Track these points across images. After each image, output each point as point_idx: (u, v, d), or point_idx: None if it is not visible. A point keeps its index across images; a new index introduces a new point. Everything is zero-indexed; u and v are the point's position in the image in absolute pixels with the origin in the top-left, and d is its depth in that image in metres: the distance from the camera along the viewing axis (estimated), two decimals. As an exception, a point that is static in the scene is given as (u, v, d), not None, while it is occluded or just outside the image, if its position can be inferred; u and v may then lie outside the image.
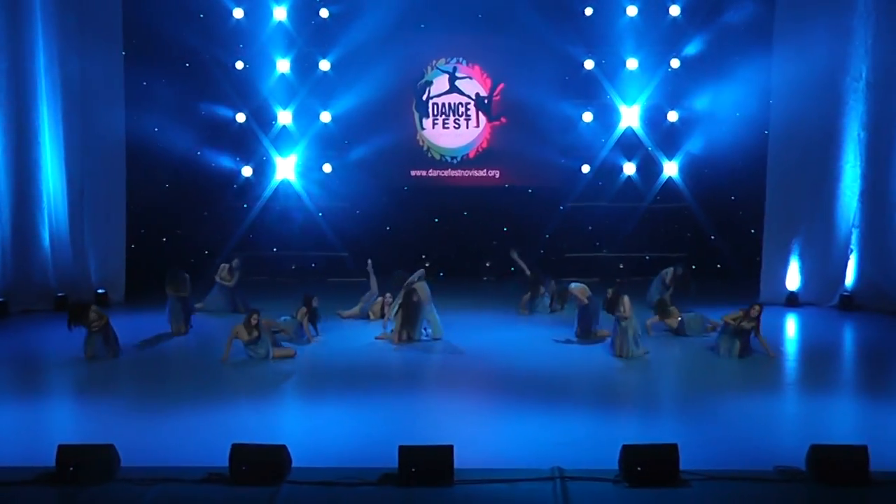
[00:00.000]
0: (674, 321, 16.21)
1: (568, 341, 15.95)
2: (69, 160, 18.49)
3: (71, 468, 9.42)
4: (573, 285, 16.23)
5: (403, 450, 9.58)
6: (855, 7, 17.47)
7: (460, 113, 21.53)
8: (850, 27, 17.52)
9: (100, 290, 18.89)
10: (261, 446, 9.73)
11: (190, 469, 9.70)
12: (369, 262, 17.88)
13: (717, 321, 15.82)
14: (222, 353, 14.66)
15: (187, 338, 16.30)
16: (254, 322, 14.63)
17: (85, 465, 9.44)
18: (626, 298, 14.89)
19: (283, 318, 15.89)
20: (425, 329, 16.14)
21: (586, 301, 15.89)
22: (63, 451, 9.55)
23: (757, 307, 14.71)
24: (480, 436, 11.44)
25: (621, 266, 21.26)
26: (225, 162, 21.55)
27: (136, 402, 12.68)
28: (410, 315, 15.83)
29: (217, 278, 18.36)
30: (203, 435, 11.18)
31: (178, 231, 21.19)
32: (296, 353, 14.95)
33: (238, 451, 9.58)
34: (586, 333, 15.98)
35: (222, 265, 18.51)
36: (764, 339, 14.75)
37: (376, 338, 16.12)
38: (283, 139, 21.57)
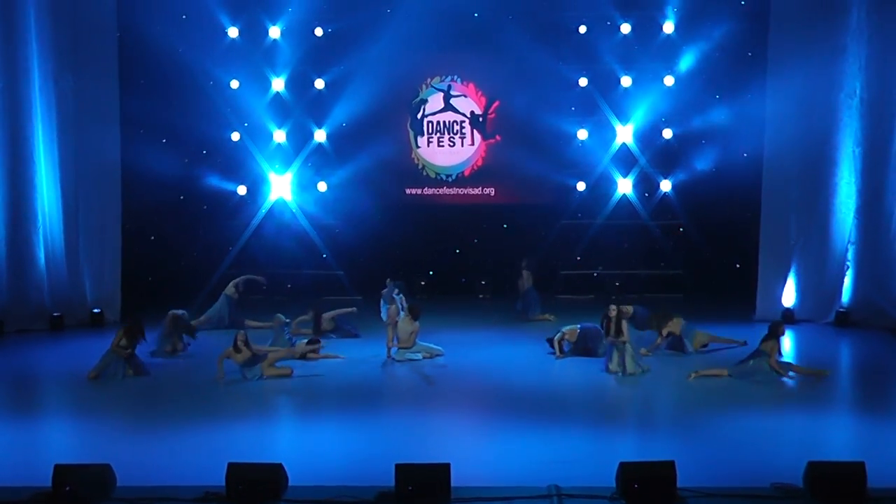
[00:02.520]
0: (676, 327, 16.19)
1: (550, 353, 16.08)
2: (64, 179, 18.51)
3: (67, 488, 9.37)
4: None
5: (400, 468, 9.57)
6: (848, 25, 17.56)
7: (455, 131, 21.60)
8: (843, 45, 17.62)
9: (95, 310, 18.89)
10: (257, 465, 9.70)
11: (186, 488, 9.67)
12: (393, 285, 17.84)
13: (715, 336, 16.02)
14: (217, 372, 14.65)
15: (184, 358, 16.26)
16: (240, 342, 14.63)
17: (81, 484, 9.39)
18: (624, 322, 14.89)
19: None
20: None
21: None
22: (59, 470, 9.52)
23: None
24: (477, 454, 11.43)
25: (617, 283, 21.27)
26: (220, 181, 21.57)
27: (132, 422, 12.65)
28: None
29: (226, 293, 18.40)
30: (199, 454, 11.15)
31: (174, 249, 21.16)
32: (292, 371, 14.92)
33: (234, 469, 9.56)
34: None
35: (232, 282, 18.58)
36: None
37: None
38: (277, 158, 21.61)
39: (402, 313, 16.13)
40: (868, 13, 17.40)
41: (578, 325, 16.18)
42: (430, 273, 21.67)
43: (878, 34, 17.35)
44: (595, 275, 21.60)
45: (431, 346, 16.15)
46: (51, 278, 18.51)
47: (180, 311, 16.64)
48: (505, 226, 21.74)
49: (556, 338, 16.07)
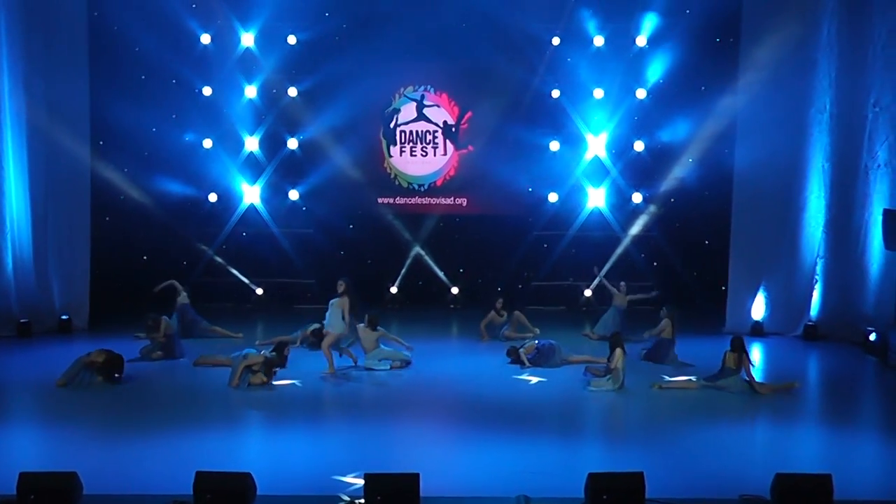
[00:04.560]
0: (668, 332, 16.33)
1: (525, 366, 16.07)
2: (33, 185, 18.37)
3: (32, 496, 9.28)
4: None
5: (370, 478, 9.55)
6: (819, 40, 17.72)
7: (428, 141, 21.59)
8: (814, 60, 17.78)
9: (63, 317, 18.75)
10: (225, 474, 9.64)
11: (154, 497, 9.63)
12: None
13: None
14: (189, 380, 14.57)
15: (152, 365, 16.15)
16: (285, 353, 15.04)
17: (46, 493, 9.30)
18: (619, 351, 14.85)
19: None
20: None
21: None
22: (24, 478, 9.43)
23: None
24: (446, 463, 11.43)
25: (588, 295, 21.30)
26: (191, 188, 21.47)
27: (100, 430, 12.55)
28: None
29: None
30: (167, 462, 11.09)
31: (144, 258, 21.05)
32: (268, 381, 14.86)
33: (202, 478, 9.51)
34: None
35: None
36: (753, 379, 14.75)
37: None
38: (249, 165, 21.55)
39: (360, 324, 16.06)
40: (839, 29, 17.56)
41: (536, 341, 16.34)
42: (400, 282, 21.61)
43: (847, 50, 17.50)
44: (566, 285, 21.60)
45: (398, 349, 16.12)
46: (19, 284, 18.33)
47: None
48: (476, 237, 21.72)
49: (520, 350, 16.17)
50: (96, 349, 14.99)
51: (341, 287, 15.85)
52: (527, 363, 16.01)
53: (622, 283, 18.65)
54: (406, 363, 16.03)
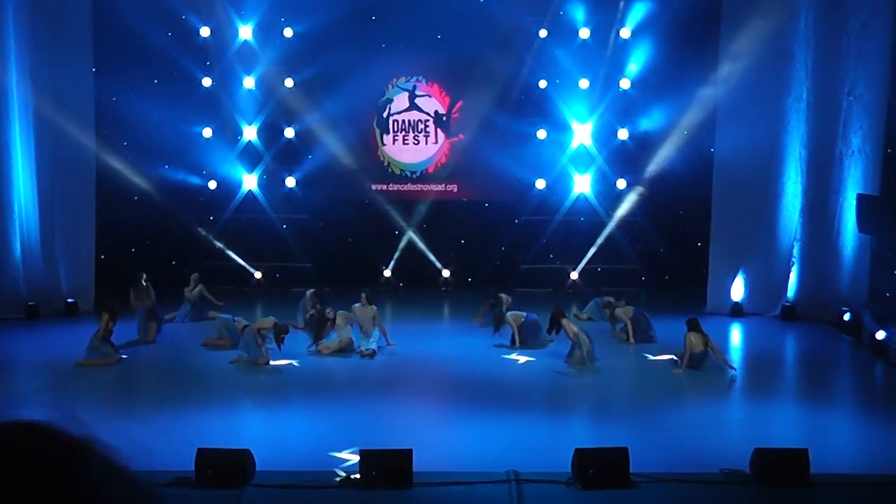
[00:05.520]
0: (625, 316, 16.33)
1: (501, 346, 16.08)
2: (40, 172, 18.34)
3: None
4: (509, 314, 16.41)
5: (365, 454, 9.57)
6: (796, 32, 17.71)
7: (420, 129, 21.54)
8: (791, 51, 17.76)
9: (69, 300, 18.72)
10: (226, 450, 9.67)
11: (156, 473, 9.60)
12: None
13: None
14: (190, 359, 14.57)
15: (155, 345, 16.15)
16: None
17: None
18: (565, 321, 14.90)
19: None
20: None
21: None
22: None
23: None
24: (439, 440, 11.46)
25: (574, 278, 21.29)
26: (192, 175, 21.44)
27: (104, 408, 12.56)
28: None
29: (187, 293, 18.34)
30: (170, 439, 11.08)
31: (147, 242, 21.01)
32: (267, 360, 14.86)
33: (204, 455, 9.53)
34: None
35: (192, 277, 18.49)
36: (719, 352, 14.71)
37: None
38: (248, 154, 21.51)
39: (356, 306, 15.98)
40: (815, 20, 17.54)
41: (524, 314, 16.32)
42: (394, 265, 21.61)
43: (823, 41, 17.49)
44: (553, 268, 21.59)
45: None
46: (27, 269, 18.31)
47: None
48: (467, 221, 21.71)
49: (508, 316, 16.29)
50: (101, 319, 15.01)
51: (364, 298, 15.96)
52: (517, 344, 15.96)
53: (622, 302, 17.60)
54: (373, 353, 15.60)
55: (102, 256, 19.54)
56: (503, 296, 17.60)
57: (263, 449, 10.16)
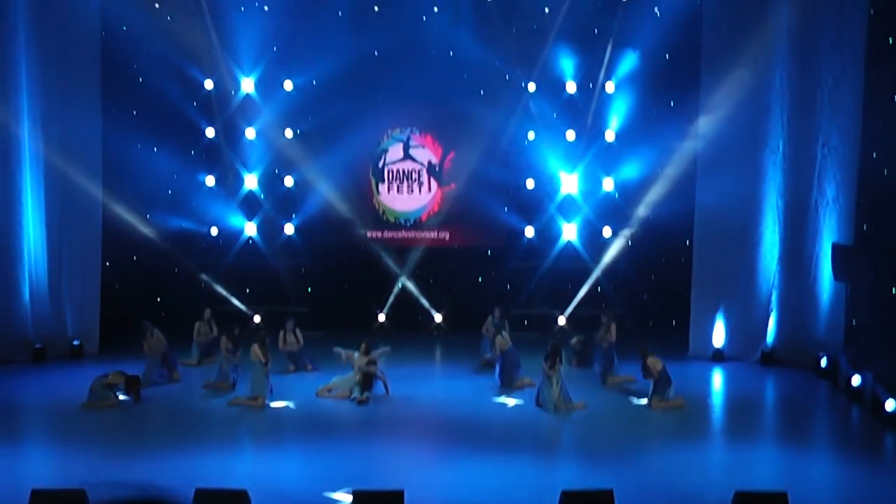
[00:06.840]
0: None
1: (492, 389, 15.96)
2: (49, 220, 18.40)
3: (43, 512, 9.22)
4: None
5: (357, 494, 9.49)
6: (771, 87, 17.81)
7: (413, 179, 21.58)
8: (767, 104, 17.86)
9: (75, 343, 18.64)
10: (223, 491, 9.60)
11: (156, 513, 9.51)
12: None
13: None
14: (192, 403, 14.50)
15: (158, 387, 16.04)
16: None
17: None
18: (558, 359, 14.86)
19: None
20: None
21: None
22: (36, 495, 9.36)
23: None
24: (430, 481, 11.36)
25: (562, 323, 21.23)
26: (194, 222, 21.45)
27: (108, 449, 12.49)
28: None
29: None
30: (168, 479, 10.98)
31: (151, 285, 20.96)
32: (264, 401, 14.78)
33: (201, 495, 9.43)
34: (509, 382, 16.06)
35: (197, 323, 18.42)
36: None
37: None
38: (248, 202, 21.53)
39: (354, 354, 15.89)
40: (790, 76, 17.65)
41: (510, 345, 16.44)
42: (388, 310, 21.56)
43: (798, 95, 17.59)
44: (541, 313, 21.55)
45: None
46: (34, 312, 18.29)
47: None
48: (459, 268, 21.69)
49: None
50: (112, 371, 14.94)
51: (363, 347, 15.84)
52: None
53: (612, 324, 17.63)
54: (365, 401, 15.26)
55: (107, 301, 19.42)
56: (498, 337, 17.36)
57: (259, 489, 10.07)
